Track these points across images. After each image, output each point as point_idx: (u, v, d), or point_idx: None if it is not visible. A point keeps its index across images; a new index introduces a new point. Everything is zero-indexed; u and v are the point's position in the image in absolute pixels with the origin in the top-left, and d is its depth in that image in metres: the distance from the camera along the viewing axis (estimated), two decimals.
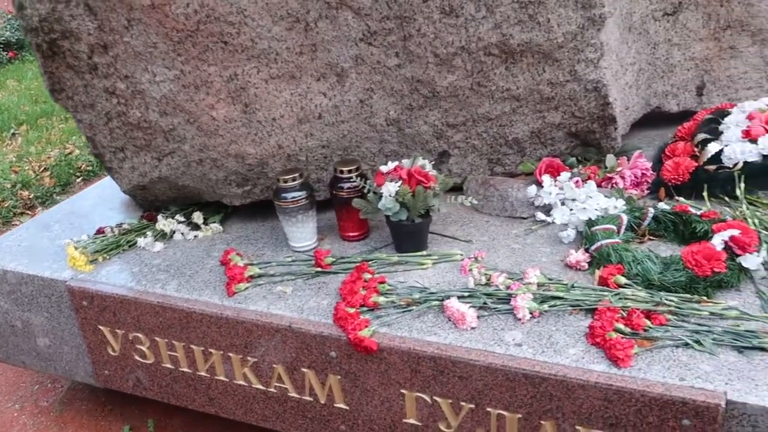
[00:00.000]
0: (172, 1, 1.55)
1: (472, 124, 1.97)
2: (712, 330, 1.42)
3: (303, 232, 1.89)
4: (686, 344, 1.39)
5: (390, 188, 1.73)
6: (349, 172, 1.84)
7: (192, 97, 1.72)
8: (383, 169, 1.80)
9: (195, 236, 2.05)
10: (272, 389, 1.72)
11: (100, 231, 2.08)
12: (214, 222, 2.08)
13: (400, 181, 1.74)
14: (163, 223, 2.03)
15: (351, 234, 1.95)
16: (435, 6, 1.67)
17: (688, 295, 1.52)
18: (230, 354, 1.73)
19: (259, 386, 1.73)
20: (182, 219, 2.07)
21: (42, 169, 4.29)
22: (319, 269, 1.79)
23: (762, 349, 1.36)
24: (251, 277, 1.79)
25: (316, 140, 1.91)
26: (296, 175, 1.83)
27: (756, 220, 1.80)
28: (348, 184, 1.85)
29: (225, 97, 1.74)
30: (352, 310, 1.57)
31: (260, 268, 1.82)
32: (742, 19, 2.33)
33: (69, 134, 4.93)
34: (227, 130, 1.80)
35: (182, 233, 2.05)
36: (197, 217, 2.07)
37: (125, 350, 1.88)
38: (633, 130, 2.49)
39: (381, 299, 1.61)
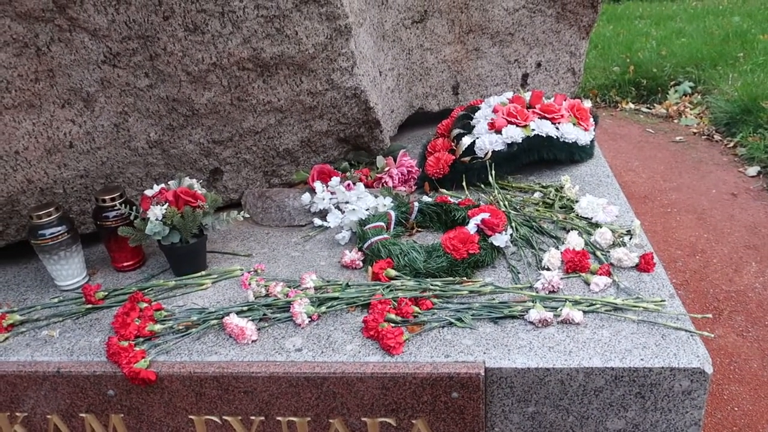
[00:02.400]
0: None
1: (239, 138, 1.97)
2: (471, 307, 1.55)
3: (69, 270, 1.76)
4: (450, 323, 1.50)
5: (156, 212, 1.67)
6: (112, 200, 1.75)
7: None
8: (148, 193, 1.74)
9: None
10: None
11: None
12: None
13: (167, 204, 1.70)
14: None
15: (125, 264, 1.85)
16: (177, 24, 1.65)
17: (451, 278, 1.65)
18: None
19: None
20: None
21: None
22: (90, 306, 1.68)
23: (513, 317, 1.52)
24: (11, 325, 1.64)
25: (72, 170, 1.79)
26: (51, 209, 1.70)
27: (506, 202, 2.01)
28: (113, 213, 1.76)
29: None
30: (125, 343, 1.49)
31: (21, 315, 1.67)
32: (480, 23, 2.58)
33: None
34: None
35: None
36: None
37: None
38: (402, 131, 2.65)
39: (157, 327, 1.55)
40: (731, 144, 4.01)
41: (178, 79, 1.75)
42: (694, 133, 4.30)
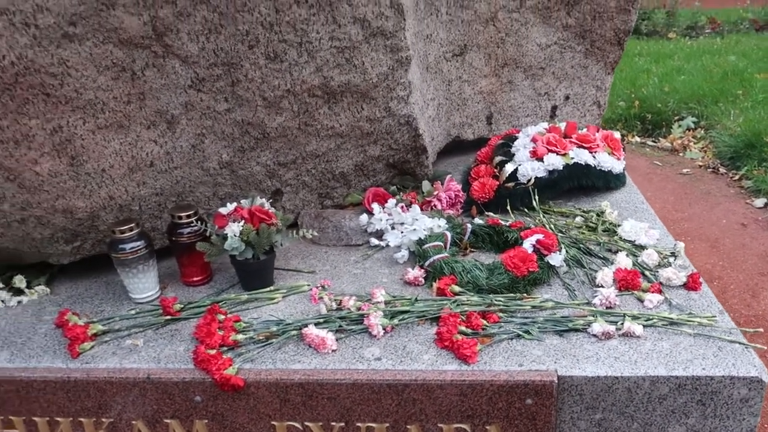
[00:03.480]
0: None
1: (301, 161, 2.08)
2: (536, 320, 1.65)
3: (145, 283, 1.84)
4: (518, 335, 1.60)
5: (234, 228, 1.77)
6: (188, 217, 1.85)
7: (12, 153, 1.62)
8: (223, 211, 1.83)
9: (19, 302, 1.90)
10: None
11: None
12: (39, 284, 1.95)
13: (243, 221, 1.79)
14: None
15: (195, 279, 1.94)
16: (260, 52, 1.77)
17: (512, 294, 1.76)
18: (81, 419, 1.63)
19: None
20: (1, 285, 1.91)
21: None
22: (168, 317, 1.76)
23: (576, 330, 1.62)
24: (95, 335, 1.71)
25: (150, 188, 1.89)
26: (133, 225, 1.79)
27: (552, 225, 2.12)
28: (188, 230, 1.86)
29: (49, 151, 1.66)
30: (213, 351, 1.57)
31: (103, 325, 1.75)
32: (515, 57, 2.73)
33: None
34: (53, 184, 1.72)
35: (2, 301, 1.89)
36: (19, 281, 1.92)
37: None
38: (439, 158, 2.77)
39: (240, 337, 1.64)
40: (737, 177, 4.18)
41: (255, 104, 1.86)
42: (700, 166, 4.47)
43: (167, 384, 1.57)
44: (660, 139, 4.94)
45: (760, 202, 3.80)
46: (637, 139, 4.97)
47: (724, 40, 7.51)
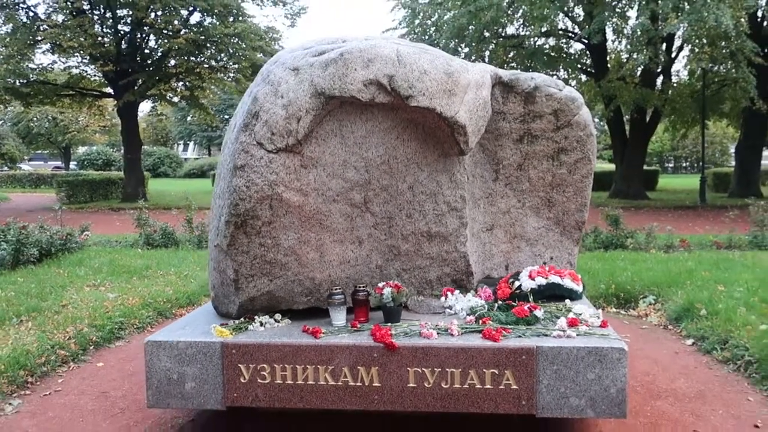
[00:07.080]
0: (307, 203, 3.71)
1: (412, 270, 4.20)
2: (527, 332, 3.64)
3: (341, 315, 3.88)
4: (519, 336, 3.59)
5: (388, 291, 3.84)
6: (363, 287, 3.93)
7: (301, 247, 3.78)
8: (380, 285, 3.92)
9: (277, 324, 3.92)
10: (339, 383, 3.56)
11: (223, 324, 3.87)
12: (286, 318, 3.98)
13: (390, 289, 3.87)
14: (261, 319, 3.90)
15: (361, 319, 3.96)
16: (404, 213, 4.00)
17: (516, 326, 3.76)
18: (318, 366, 3.57)
19: (332, 382, 3.56)
20: (268, 317, 3.95)
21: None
22: (354, 329, 3.77)
23: (545, 335, 3.60)
24: (323, 332, 3.71)
25: (345, 274, 4.00)
26: (340, 287, 3.88)
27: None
28: (362, 293, 3.92)
29: (315, 248, 3.82)
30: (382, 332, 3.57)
31: (325, 329, 3.75)
32: (521, 233, 4.92)
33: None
34: (311, 264, 3.85)
35: (269, 324, 3.91)
36: (278, 316, 3.96)
37: (252, 377, 3.61)
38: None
39: (392, 332, 3.64)
40: (679, 330, 6.12)
41: (398, 237, 4.04)
42: (655, 325, 6.43)
43: (362, 347, 3.54)
44: (630, 310, 6.95)
45: (689, 341, 5.72)
46: (614, 309, 6.99)
47: (691, 254, 9.74)
